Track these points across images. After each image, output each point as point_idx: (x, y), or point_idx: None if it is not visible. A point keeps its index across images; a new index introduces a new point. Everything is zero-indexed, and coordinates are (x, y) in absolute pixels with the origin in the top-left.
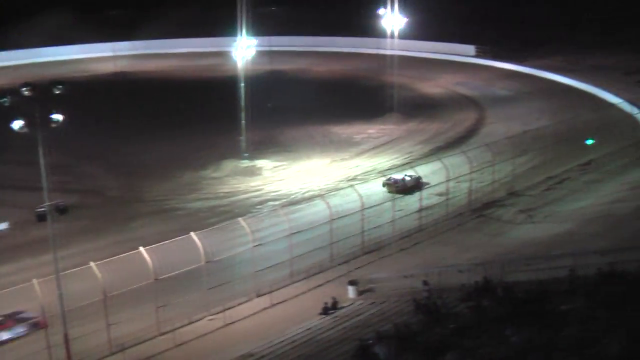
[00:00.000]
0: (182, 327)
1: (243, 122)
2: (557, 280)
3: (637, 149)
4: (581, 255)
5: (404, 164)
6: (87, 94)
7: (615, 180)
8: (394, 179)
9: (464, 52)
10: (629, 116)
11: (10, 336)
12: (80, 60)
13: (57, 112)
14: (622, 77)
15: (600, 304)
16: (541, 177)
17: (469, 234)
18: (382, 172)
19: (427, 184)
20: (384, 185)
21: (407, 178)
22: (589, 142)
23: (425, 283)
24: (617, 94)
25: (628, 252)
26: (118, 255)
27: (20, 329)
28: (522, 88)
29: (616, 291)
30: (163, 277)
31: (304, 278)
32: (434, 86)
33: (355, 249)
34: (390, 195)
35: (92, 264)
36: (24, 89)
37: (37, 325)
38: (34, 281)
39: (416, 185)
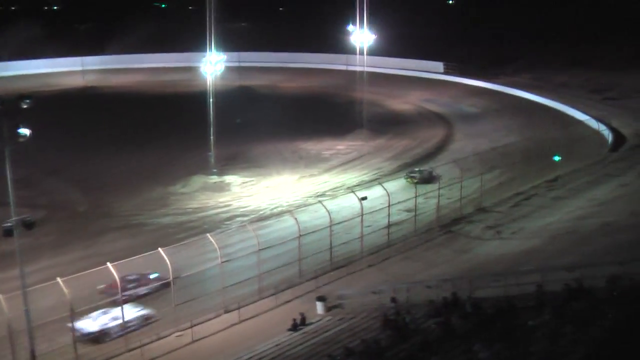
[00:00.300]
0: (150, 343)
1: (212, 137)
2: (525, 295)
3: (603, 165)
4: (548, 271)
5: (372, 180)
6: (55, 108)
7: (581, 196)
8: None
9: (432, 69)
10: (596, 133)
11: (147, 291)
12: (48, 74)
13: (25, 127)
14: (588, 95)
15: (567, 320)
16: (509, 194)
17: (437, 250)
18: (350, 188)
19: (441, 177)
20: (406, 178)
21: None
22: (556, 158)
23: (393, 300)
24: (584, 111)
25: (594, 268)
26: (86, 270)
27: (152, 285)
28: (490, 105)
29: (583, 307)
30: (130, 292)
31: (273, 294)
32: (402, 103)
33: (324, 264)
34: (358, 211)
35: (59, 279)
36: None
37: (166, 285)
38: (0, 296)
39: (432, 177)
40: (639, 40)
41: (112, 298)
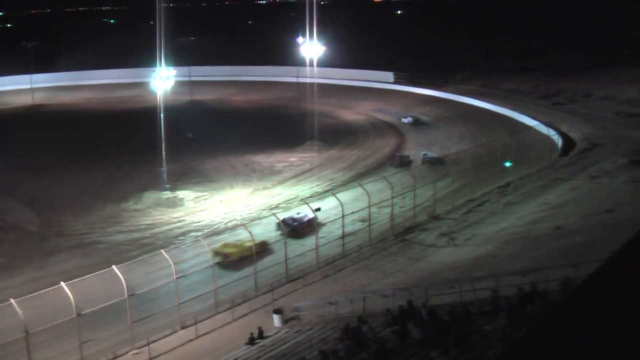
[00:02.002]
0: None
1: (163, 153)
2: (480, 301)
3: (554, 170)
4: (503, 276)
5: (325, 191)
6: (2, 127)
7: (533, 201)
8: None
9: (383, 79)
10: (546, 138)
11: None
12: None
13: None
14: (537, 101)
15: (522, 324)
16: (461, 200)
17: (392, 258)
18: (304, 200)
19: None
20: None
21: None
22: (507, 164)
23: (360, 319)
24: (533, 117)
25: (548, 271)
26: (39, 291)
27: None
28: (441, 113)
29: (537, 310)
30: (86, 312)
31: (229, 308)
32: (354, 113)
33: (280, 277)
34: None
35: (12, 300)
36: None
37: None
38: None
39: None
40: (581, 49)
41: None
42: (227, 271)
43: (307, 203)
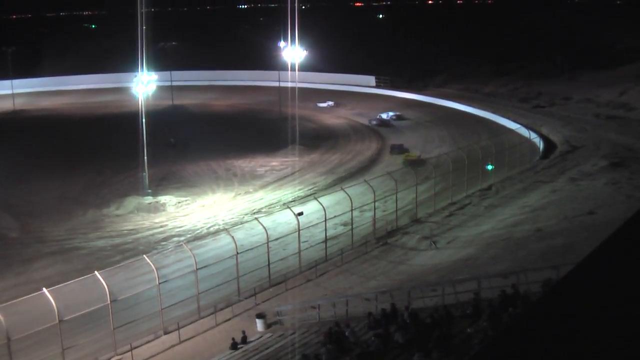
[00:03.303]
0: None
1: (145, 158)
2: (462, 304)
3: (535, 172)
4: (484, 279)
5: (308, 195)
6: None
7: (514, 203)
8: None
9: (364, 83)
10: (527, 140)
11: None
12: None
13: None
14: (518, 104)
15: (503, 326)
16: (443, 204)
17: (374, 262)
18: (286, 204)
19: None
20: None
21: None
22: (489, 167)
23: (337, 325)
24: (514, 120)
25: (529, 273)
26: (20, 297)
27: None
28: (422, 116)
29: (518, 312)
30: (68, 318)
31: (212, 313)
32: (335, 117)
33: (263, 281)
34: (295, 226)
35: None
36: None
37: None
38: None
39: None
40: (559, 52)
41: None
42: (209, 276)
43: (289, 207)
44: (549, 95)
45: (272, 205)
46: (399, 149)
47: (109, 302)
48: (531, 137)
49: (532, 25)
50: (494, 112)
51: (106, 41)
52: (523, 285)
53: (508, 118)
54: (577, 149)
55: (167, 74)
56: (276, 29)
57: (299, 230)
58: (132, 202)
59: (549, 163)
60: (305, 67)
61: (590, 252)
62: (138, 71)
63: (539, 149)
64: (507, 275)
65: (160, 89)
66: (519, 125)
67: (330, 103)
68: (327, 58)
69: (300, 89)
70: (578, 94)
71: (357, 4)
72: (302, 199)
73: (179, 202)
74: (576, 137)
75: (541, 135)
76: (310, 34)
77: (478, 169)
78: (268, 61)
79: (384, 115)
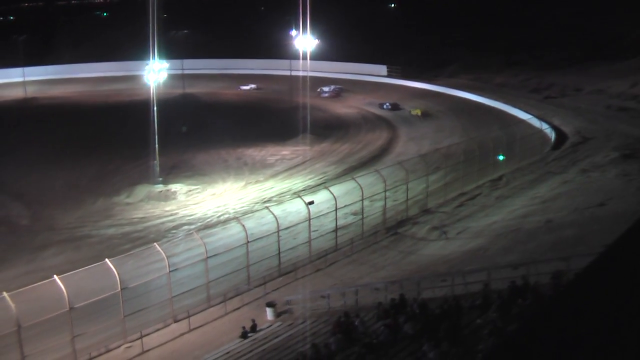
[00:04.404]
0: (99, 355)
1: (156, 146)
2: (471, 294)
3: (546, 163)
4: (494, 270)
5: (318, 184)
6: None
7: (525, 194)
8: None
9: (376, 72)
10: (539, 131)
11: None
12: None
13: None
14: (529, 94)
15: (513, 317)
16: (454, 194)
17: (384, 252)
18: (297, 193)
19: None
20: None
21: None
22: (501, 158)
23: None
24: (526, 111)
25: (539, 264)
26: (30, 284)
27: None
28: (433, 106)
29: (528, 304)
30: (78, 305)
31: (222, 302)
32: (346, 106)
33: (272, 270)
34: (305, 215)
35: (5, 294)
36: None
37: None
38: None
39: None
40: (570, 42)
41: None
42: (219, 265)
43: (300, 196)
44: (560, 86)
45: (283, 194)
46: (391, 107)
47: (119, 289)
48: (543, 128)
49: (543, 15)
50: (505, 103)
51: (117, 29)
52: (533, 277)
53: (519, 108)
54: (588, 140)
55: (178, 62)
56: (288, 18)
57: (309, 219)
58: (142, 190)
59: (560, 154)
60: (316, 56)
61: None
62: (149, 59)
63: (550, 139)
64: (517, 266)
65: (171, 77)
66: (530, 116)
67: (253, 86)
68: (339, 47)
69: (312, 78)
70: (589, 85)
71: None
72: (313, 188)
73: (190, 191)
74: (587, 128)
75: (553, 126)
76: (321, 23)
77: (489, 159)
78: (279, 50)
79: (326, 89)
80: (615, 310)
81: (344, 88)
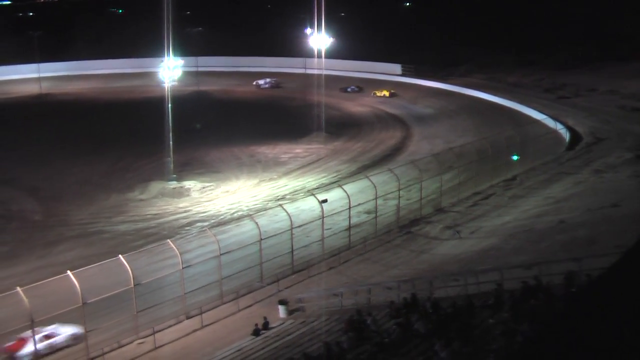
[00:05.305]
0: (111, 351)
1: (170, 143)
2: (483, 294)
3: (559, 163)
4: (507, 270)
5: (332, 183)
6: (8, 115)
7: (538, 194)
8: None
9: (390, 71)
10: (553, 131)
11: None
12: (2, 82)
13: None
14: (542, 94)
15: (524, 317)
16: (467, 193)
17: (397, 251)
18: (310, 191)
19: None
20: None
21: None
22: (514, 157)
23: (358, 313)
24: (540, 110)
25: (552, 265)
26: (43, 279)
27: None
28: (446, 106)
29: (540, 304)
30: (91, 301)
31: (234, 299)
32: (359, 105)
33: (285, 268)
34: (318, 213)
35: (18, 289)
36: None
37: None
38: None
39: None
40: (583, 42)
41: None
42: (232, 262)
43: (313, 194)
44: (573, 86)
45: (296, 192)
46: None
47: (132, 285)
48: (557, 128)
49: (557, 15)
50: (519, 102)
51: (132, 26)
52: (545, 277)
53: (533, 108)
54: (602, 140)
55: (192, 59)
56: (303, 16)
57: (322, 217)
58: (156, 187)
59: (573, 154)
60: (331, 54)
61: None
62: (164, 56)
63: (564, 140)
64: (529, 266)
65: (186, 74)
66: (544, 116)
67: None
68: (353, 46)
69: (326, 76)
70: (603, 85)
71: None
72: (326, 187)
73: (203, 188)
74: (601, 128)
75: (567, 127)
76: (336, 21)
77: (502, 159)
78: (294, 48)
79: (261, 82)
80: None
81: (279, 80)
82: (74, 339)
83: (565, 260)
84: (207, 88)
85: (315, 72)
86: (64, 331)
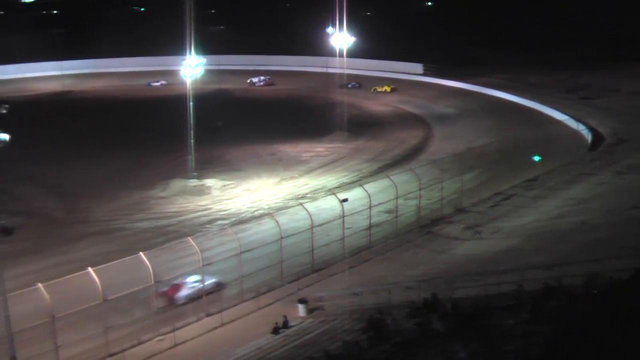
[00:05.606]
0: (131, 347)
1: (191, 141)
2: (503, 295)
3: (581, 164)
4: (527, 270)
5: (352, 182)
6: (30, 113)
7: (560, 195)
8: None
9: (412, 71)
10: (575, 132)
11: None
12: (26, 79)
13: (3, 132)
14: (564, 95)
15: (544, 318)
16: (488, 194)
17: (417, 250)
18: (331, 190)
19: None
20: None
21: None
22: (536, 158)
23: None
24: (562, 111)
25: (573, 266)
26: (64, 276)
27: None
28: (468, 105)
29: (560, 305)
30: (112, 297)
31: (254, 297)
32: (380, 104)
33: (305, 267)
34: (339, 213)
35: (39, 285)
36: None
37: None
38: None
39: None
40: (603, 42)
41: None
42: (252, 260)
43: (334, 193)
44: (596, 86)
45: (317, 191)
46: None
47: (152, 282)
48: (579, 129)
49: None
50: (540, 103)
51: (154, 24)
52: (566, 278)
53: (555, 109)
54: (624, 141)
55: (215, 57)
56: (325, 15)
57: (343, 216)
58: (177, 184)
59: (595, 156)
60: (352, 54)
61: None
62: (185, 54)
63: (586, 140)
64: (550, 267)
65: (208, 72)
66: (566, 117)
67: (164, 82)
68: (375, 45)
69: (347, 75)
70: (625, 85)
71: None
72: (347, 186)
73: (224, 186)
74: (623, 129)
75: (589, 127)
76: (358, 21)
77: (524, 159)
78: (316, 47)
79: (255, 79)
80: None
81: (272, 78)
82: (217, 286)
83: (586, 262)
84: (228, 86)
85: (337, 71)
86: (209, 279)
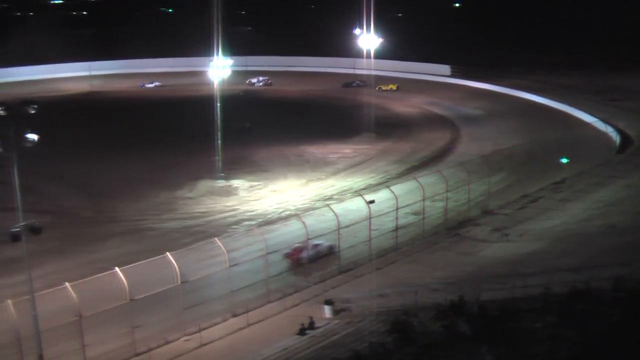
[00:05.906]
0: (157, 347)
1: (219, 141)
2: (531, 298)
3: (610, 167)
4: (555, 273)
5: (379, 183)
6: (60, 113)
7: (587, 198)
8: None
9: (439, 72)
10: (603, 134)
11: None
12: (55, 79)
13: (32, 132)
14: (593, 97)
15: (571, 322)
16: (516, 196)
17: (444, 252)
18: (358, 192)
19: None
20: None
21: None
22: (564, 160)
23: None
24: (591, 113)
25: (601, 269)
26: (91, 275)
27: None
28: (495, 107)
29: (587, 309)
30: (138, 297)
31: (280, 298)
32: (408, 105)
33: (331, 268)
34: (366, 214)
35: (67, 284)
36: None
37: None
38: (9, 302)
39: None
40: (634, 44)
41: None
42: (278, 261)
43: (361, 195)
44: (623, 89)
45: (344, 193)
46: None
47: (179, 283)
48: (608, 132)
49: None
50: (568, 105)
51: (182, 25)
52: (594, 282)
53: (583, 111)
54: None
55: (241, 59)
56: (352, 16)
57: (369, 218)
58: (204, 185)
59: (623, 158)
60: (379, 55)
61: None
62: (213, 55)
63: (615, 143)
64: (578, 270)
65: (235, 73)
66: (595, 119)
67: (157, 83)
68: (402, 46)
69: (374, 76)
70: None
71: None
72: (374, 187)
73: (251, 187)
74: None
75: (617, 130)
76: (385, 21)
77: (551, 161)
78: (343, 48)
79: (254, 80)
80: None
81: (270, 78)
82: (330, 249)
83: (615, 265)
84: (256, 87)
85: (364, 72)
86: (325, 243)
